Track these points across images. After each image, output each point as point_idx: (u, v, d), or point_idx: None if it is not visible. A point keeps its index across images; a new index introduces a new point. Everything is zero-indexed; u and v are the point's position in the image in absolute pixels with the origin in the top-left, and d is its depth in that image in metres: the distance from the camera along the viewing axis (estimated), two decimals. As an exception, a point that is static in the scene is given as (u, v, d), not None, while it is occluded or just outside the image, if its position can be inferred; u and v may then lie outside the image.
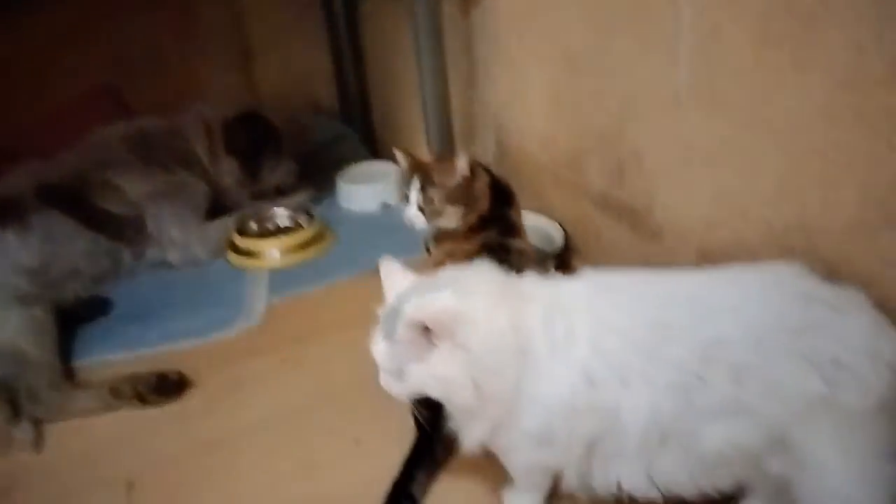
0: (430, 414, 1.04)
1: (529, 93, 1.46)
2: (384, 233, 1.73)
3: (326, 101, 2.34)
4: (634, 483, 0.79)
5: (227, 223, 1.71)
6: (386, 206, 1.90)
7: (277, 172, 1.82)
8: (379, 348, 0.79)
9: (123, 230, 1.57)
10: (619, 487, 0.80)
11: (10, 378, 1.18)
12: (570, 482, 0.82)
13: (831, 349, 0.72)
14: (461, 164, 1.10)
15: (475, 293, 0.78)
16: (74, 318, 1.41)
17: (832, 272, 0.85)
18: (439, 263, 1.08)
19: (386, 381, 0.80)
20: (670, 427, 0.75)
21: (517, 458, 0.86)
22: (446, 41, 1.54)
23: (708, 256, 1.07)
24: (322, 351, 1.31)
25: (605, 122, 1.23)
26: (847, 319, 0.74)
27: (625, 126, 1.19)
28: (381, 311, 0.81)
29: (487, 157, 1.66)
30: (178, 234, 1.63)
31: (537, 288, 0.83)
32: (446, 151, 1.22)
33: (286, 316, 1.45)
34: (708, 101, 0.99)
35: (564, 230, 1.42)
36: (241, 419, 1.15)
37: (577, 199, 1.39)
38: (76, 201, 1.51)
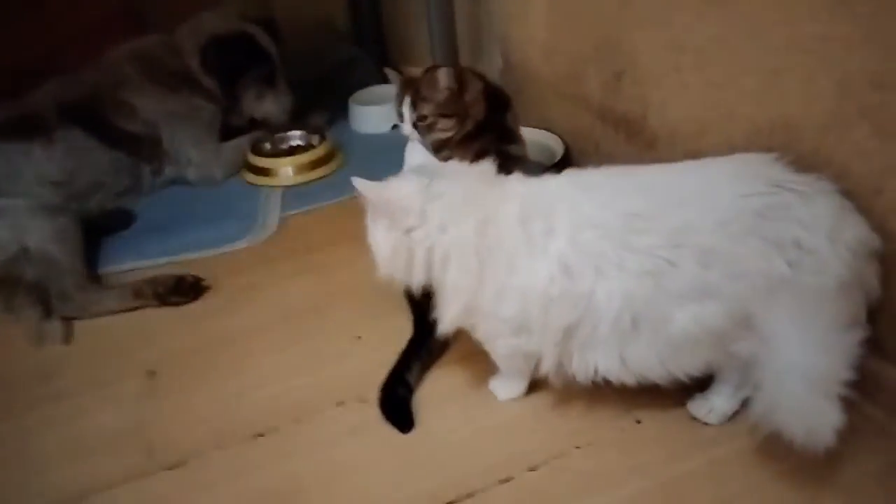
0: (428, 306, 1.12)
1: (533, 3, 1.46)
2: (394, 152, 1.74)
3: (340, 21, 2.33)
4: (609, 367, 0.85)
5: (242, 143, 1.76)
6: (395, 128, 1.93)
7: (264, 104, 1.77)
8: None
9: (141, 148, 1.64)
10: (595, 372, 0.86)
11: (42, 280, 1.28)
12: (549, 368, 0.88)
13: (794, 232, 0.75)
14: (442, 78, 1.12)
15: (444, 193, 0.84)
16: (99, 229, 1.49)
17: (811, 166, 0.88)
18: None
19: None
20: (642, 311, 0.80)
21: (498, 344, 0.92)
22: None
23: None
24: (329, 260, 1.38)
25: (603, 28, 1.24)
26: (811, 204, 0.77)
27: (622, 32, 1.19)
28: None
29: (493, 72, 1.67)
30: (194, 154, 1.69)
31: (519, 187, 0.88)
32: (435, 65, 1.23)
33: (297, 229, 1.52)
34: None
35: (565, 143, 1.44)
36: (253, 319, 1.24)
37: (577, 111, 1.40)
38: (95, 119, 1.57)
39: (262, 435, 0.98)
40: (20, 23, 1.91)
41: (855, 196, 0.82)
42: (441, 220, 0.84)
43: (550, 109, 1.49)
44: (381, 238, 0.87)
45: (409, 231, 0.85)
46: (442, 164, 0.93)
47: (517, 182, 0.89)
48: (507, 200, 0.85)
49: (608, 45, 1.24)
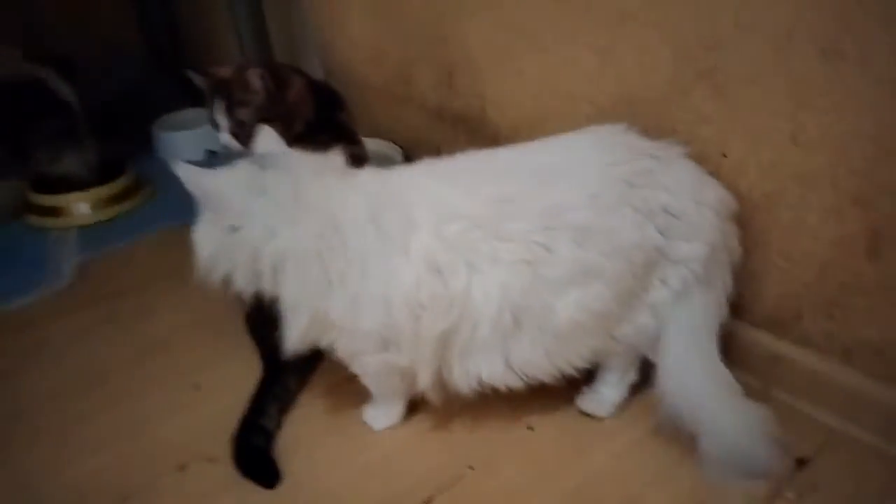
0: (275, 335, 0.97)
1: (354, 6, 1.37)
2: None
3: (128, 41, 2.07)
4: (494, 372, 0.77)
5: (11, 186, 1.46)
6: (212, 154, 1.74)
7: (63, 162, 1.46)
8: None
9: None
10: (479, 380, 0.78)
11: None
12: (426, 383, 0.78)
13: (661, 198, 0.73)
14: (254, 78, 0.99)
15: (273, 188, 0.73)
16: None
17: (654, 136, 0.88)
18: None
19: None
20: (523, 305, 0.73)
21: (364, 362, 0.80)
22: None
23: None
24: (145, 304, 1.17)
25: (431, 24, 1.18)
26: (670, 169, 0.76)
27: (451, 25, 1.15)
28: None
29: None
30: None
31: (367, 179, 0.78)
32: (246, 63, 1.10)
33: (100, 273, 1.28)
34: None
35: (403, 149, 1.37)
36: (47, 385, 1.00)
37: (411, 114, 1.33)
38: None
39: (79, 527, 0.77)
40: None
41: (702, 160, 0.82)
42: (268, 222, 0.71)
43: (381, 116, 1.41)
44: (201, 233, 0.74)
45: (232, 231, 0.71)
46: (286, 153, 0.79)
47: (365, 174, 0.79)
48: (353, 194, 0.74)
49: (437, 40, 1.19)
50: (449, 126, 1.25)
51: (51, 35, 1.83)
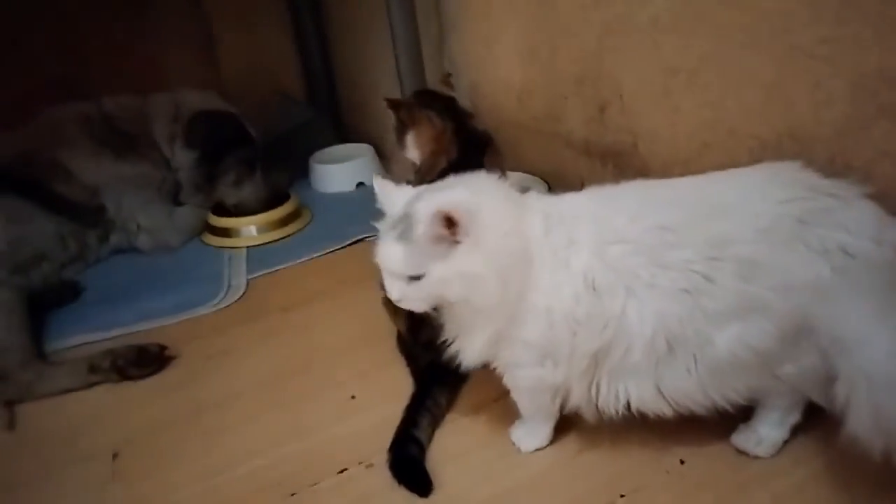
0: (426, 354, 1.02)
1: (502, 45, 1.45)
2: (360, 210, 1.69)
3: (293, 86, 2.30)
4: (644, 398, 0.77)
5: (199, 209, 1.65)
6: (360, 185, 1.88)
7: (241, 190, 1.64)
8: (392, 253, 0.73)
9: (83, 214, 1.50)
10: (628, 405, 0.78)
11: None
12: (578, 400, 0.80)
13: (839, 237, 0.71)
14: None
15: (485, 193, 0.76)
16: (45, 303, 1.34)
17: (828, 173, 0.85)
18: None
19: (400, 289, 0.74)
20: (679, 334, 0.73)
21: (520, 376, 0.82)
22: (416, 2, 1.52)
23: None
24: (306, 319, 1.28)
25: (583, 61, 1.22)
26: (850, 208, 0.73)
27: (603, 62, 1.18)
28: (385, 221, 0.77)
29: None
30: (145, 221, 1.57)
31: (537, 201, 0.81)
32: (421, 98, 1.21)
33: (266, 289, 1.41)
34: (687, 19, 0.98)
35: (548, 184, 1.41)
36: (226, 387, 1.10)
37: (557, 149, 1.37)
38: (30, 184, 1.44)
39: (253, 516, 0.85)
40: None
41: (881, 199, 0.79)
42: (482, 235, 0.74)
43: (527, 151, 1.46)
44: (464, 259, 0.72)
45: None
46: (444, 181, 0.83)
47: (535, 198, 0.82)
48: (530, 213, 0.78)
49: (589, 78, 1.22)
50: (596, 160, 1.27)
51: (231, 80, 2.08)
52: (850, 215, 0.72)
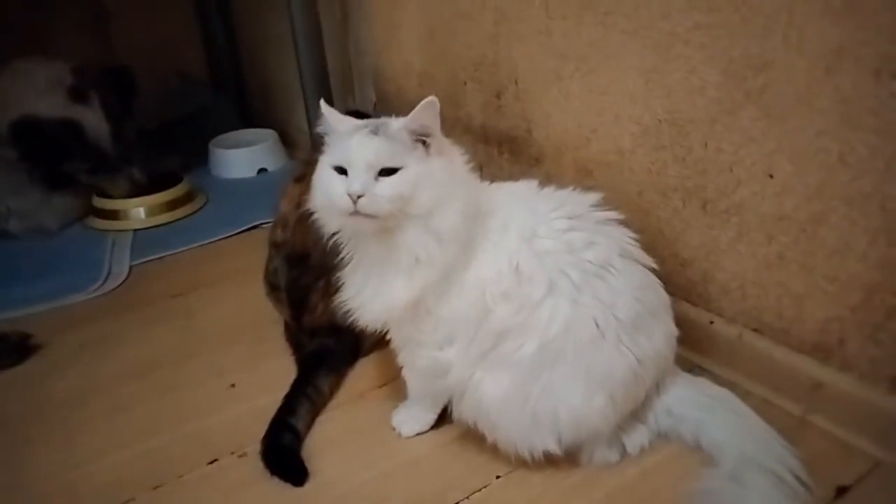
0: (311, 342, 0.99)
1: (404, 31, 1.42)
2: (259, 197, 1.64)
3: (195, 67, 2.19)
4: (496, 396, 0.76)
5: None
6: (262, 172, 1.81)
7: (100, 185, 1.55)
8: (369, 142, 0.69)
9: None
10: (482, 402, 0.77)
11: None
12: (455, 380, 0.77)
13: None
14: None
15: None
16: None
17: (700, 159, 0.88)
18: (298, 178, 1.02)
19: (365, 183, 0.68)
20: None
21: (420, 354, 0.79)
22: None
23: (587, 171, 1.07)
24: (190, 306, 1.22)
25: (480, 46, 1.22)
26: None
27: (499, 47, 1.17)
28: (340, 129, 0.74)
29: (367, 105, 1.61)
30: (16, 204, 1.46)
31: (483, 184, 0.81)
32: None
33: (152, 276, 1.33)
34: (575, 5, 0.99)
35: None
36: (97, 377, 1.03)
37: (457, 135, 1.35)
38: None
39: (111, 511, 0.79)
40: None
41: (744, 182, 0.82)
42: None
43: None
44: (438, 169, 0.72)
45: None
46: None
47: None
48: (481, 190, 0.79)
49: (486, 62, 1.22)
50: (493, 146, 1.27)
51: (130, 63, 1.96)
52: None
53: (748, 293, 0.88)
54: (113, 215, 1.52)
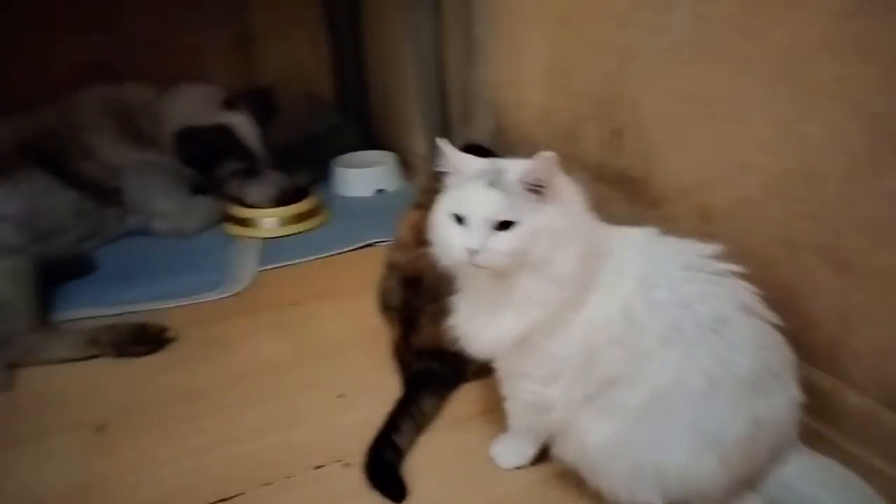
0: (418, 362, 1.02)
1: (526, 65, 1.46)
2: (377, 215, 1.72)
3: (325, 89, 2.34)
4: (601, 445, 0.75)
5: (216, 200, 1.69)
6: (380, 192, 1.90)
7: (247, 193, 1.66)
8: (485, 197, 0.70)
9: (101, 192, 1.55)
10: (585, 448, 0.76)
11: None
12: (558, 420, 0.78)
13: None
14: None
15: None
16: (59, 274, 1.37)
17: (836, 216, 0.84)
18: (417, 205, 1.06)
19: (482, 239, 0.69)
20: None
21: (524, 387, 0.80)
22: (446, 21, 1.54)
23: (709, 217, 1.04)
24: (309, 315, 1.29)
25: (602, 84, 1.22)
26: None
27: (622, 86, 1.18)
28: (461, 174, 0.75)
29: (484, 135, 1.65)
30: (161, 206, 1.61)
31: (602, 225, 0.80)
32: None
33: (274, 283, 1.43)
34: (707, 48, 0.98)
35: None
36: (222, 373, 1.12)
37: (573, 172, 1.36)
38: (55, 159, 1.49)
39: (225, 501, 0.85)
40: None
41: (884, 245, 0.77)
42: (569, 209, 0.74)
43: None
44: (555, 218, 0.71)
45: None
46: None
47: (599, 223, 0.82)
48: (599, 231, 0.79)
49: (607, 100, 1.22)
50: (609, 185, 1.27)
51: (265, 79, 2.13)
52: None
53: (884, 364, 0.82)
54: (245, 223, 1.64)
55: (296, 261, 1.50)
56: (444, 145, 0.77)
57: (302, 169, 1.92)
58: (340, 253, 1.54)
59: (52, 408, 1.04)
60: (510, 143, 1.55)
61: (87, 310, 1.29)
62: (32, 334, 1.14)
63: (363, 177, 1.91)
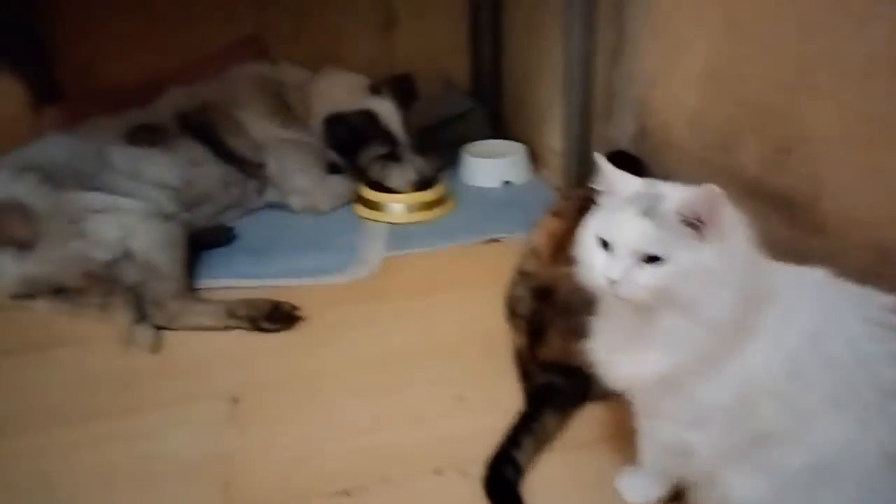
0: (542, 375, 0.99)
1: (682, 65, 1.36)
2: (503, 208, 1.70)
3: (459, 75, 2.32)
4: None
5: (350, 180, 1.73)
6: (507, 184, 1.86)
7: (388, 177, 1.68)
8: (636, 226, 0.64)
9: (246, 166, 1.63)
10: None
11: (140, 284, 1.24)
12: (701, 467, 0.72)
13: None
14: None
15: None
16: (200, 243, 1.46)
17: None
18: (555, 213, 1.02)
19: (625, 269, 0.64)
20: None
21: (665, 428, 0.75)
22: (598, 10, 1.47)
23: (888, 258, 0.93)
24: (432, 307, 1.29)
25: (773, 95, 1.11)
26: None
27: (796, 100, 1.07)
28: (616, 196, 0.69)
29: (624, 137, 1.57)
30: (299, 183, 1.66)
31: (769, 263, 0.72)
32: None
33: (400, 270, 1.44)
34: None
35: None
36: (346, 358, 1.14)
37: (723, 185, 1.26)
38: (208, 132, 1.58)
39: (347, 494, 0.86)
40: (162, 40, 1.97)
41: None
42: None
43: (689, 180, 1.36)
44: (714, 258, 0.64)
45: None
46: None
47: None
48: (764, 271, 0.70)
49: (775, 114, 1.11)
50: (767, 205, 1.16)
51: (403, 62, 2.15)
52: None
53: None
54: (375, 206, 1.66)
55: (421, 250, 1.51)
56: (603, 163, 0.72)
57: (431, 154, 1.93)
58: (465, 245, 1.53)
59: (189, 375, 1.10)
60: (654, 147, 1.47)
61: (226, 280, 1.36)
62: (179, 300, 1.22)
63: (491, 167, 1.88)
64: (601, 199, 0.71)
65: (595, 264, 0.67)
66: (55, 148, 1.40)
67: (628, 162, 1.14)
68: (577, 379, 0.94)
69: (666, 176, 1.04)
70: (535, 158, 1.95)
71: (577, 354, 0.80)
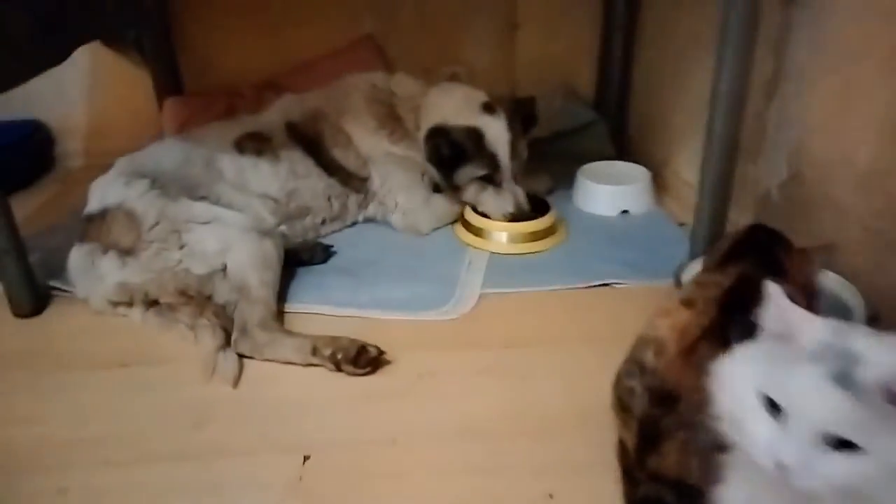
0: (647, 486, 0.85)
1: (856, 111, 1.14)
2: (618, 245, 1.53)
3: (582, 85, 2.15)
4: None
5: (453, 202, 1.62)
6: (624, 212, 1.69)
7: (482, 201, 1.56)
8: (823, 394, 0.49)
9: (351, 180, 1.56)
10: None
11: (230, 304, 1.21)
12: None
13: None
14: None
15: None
16: (297, 258, 1.41)
17: None
18: (687, 302, 0.86)
19: (802, 451, 0.50)
20: None
21: None
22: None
23: None
24: (528, 363, 1.16)
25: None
26: None
27: None
28: (807, 339, 0.53)
29: (770, 182, 1.36)
30: (403, 200, 1.58)
31: None
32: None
33: (495, 312, 1.31)
34: None
35: (866, 300, 1.09)
36: (424, 419, 1.04)
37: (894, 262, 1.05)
38: (313, 142, 1.52)
39: None
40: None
41: None
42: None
43: (849, 250, 1.15)
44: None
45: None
46: None
47: None
48: None
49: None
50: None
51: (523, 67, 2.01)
52: None
53: None
54: (478, 233, 1.55)
55: (523, 289, 1.38)
56: (774, 291, 0.56)
57: (543, 172, 1.78)
58: (572, 288, 1.38)
59: (266, 421, 1.04)
60: (807, 200, 1.26)
61: (315, 305, 1.30)
62: (267, 330, 1.16)
63: (608, 195, 1.71)
64: (766, 341, 0.56)
65: (758, 435, 0.52)
66: (168, 154, 1.40)
67: (773, 242, 0.96)
68: (689, 498, 0.80)
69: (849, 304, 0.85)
70: (658, 184, 1.76)
71: (694, 472, 0.69)
